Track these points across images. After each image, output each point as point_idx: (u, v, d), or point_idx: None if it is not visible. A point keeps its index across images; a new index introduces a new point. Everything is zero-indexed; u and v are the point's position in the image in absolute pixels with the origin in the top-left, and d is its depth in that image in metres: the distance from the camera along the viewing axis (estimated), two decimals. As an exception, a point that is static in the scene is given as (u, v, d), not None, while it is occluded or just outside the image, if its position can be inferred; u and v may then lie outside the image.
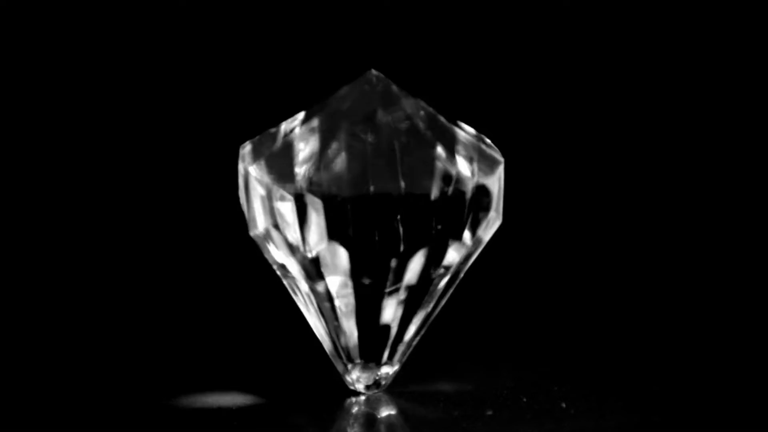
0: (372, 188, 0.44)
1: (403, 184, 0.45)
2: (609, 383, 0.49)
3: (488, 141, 0.47)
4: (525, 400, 0.47)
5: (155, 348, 0.56)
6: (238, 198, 0.48)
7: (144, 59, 0.68)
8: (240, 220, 0.48)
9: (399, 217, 0.45)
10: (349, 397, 0.48)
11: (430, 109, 0.47)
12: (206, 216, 0.65)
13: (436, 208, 0.45)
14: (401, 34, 0.69)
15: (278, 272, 0.48)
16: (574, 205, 0.68)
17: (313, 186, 0.45)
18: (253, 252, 0.49)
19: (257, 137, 0.48)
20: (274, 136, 0.47)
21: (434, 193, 0.45)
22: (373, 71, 0.48)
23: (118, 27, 0.68)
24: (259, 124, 0.49)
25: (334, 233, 0.45)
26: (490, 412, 0.46)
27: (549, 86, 0.69)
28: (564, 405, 0.46)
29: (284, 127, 0.47)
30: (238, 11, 0.68)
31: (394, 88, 0.47)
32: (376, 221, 0.45)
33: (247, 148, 0.47)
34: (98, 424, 0.47)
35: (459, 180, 0.45)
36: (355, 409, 0.47)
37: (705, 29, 0.68)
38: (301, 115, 0.47)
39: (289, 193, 0.45)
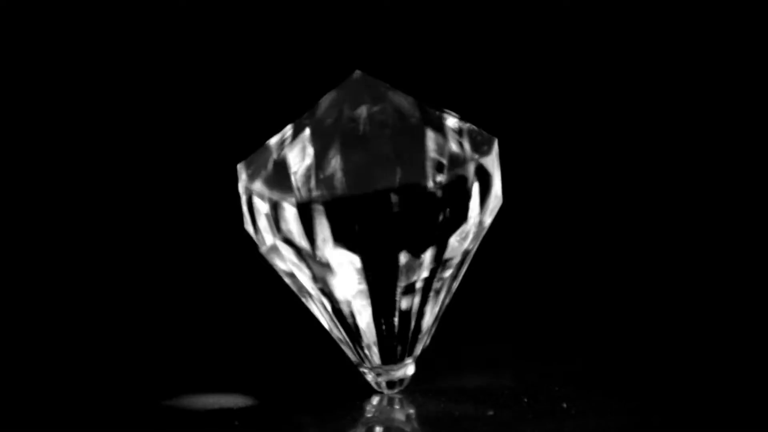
0: (378, 186, 0.45)
1: (399, 176, 0.45)
2: (610, 383, 0.49)
3: (476, 128, 0.47)
4: (526, 400, 0.47)
5: (158, 349, 0.56)
6: (237, 200, 0.48)
7: (129, 70, 0.68)
8: (240, 220, 0.48)
9: (398, 209, 0.45)
10: (369, 397, 0.48)
11: (417, 101, 0.47)
12: (209, 217, 0.65)
13: (437, 195, 0.45)
14: (384, 35, 0.69)
15: (290, 283, 0.48)
16: (574, 205, 0.68)
17: (313, 193, 0.45)
18: (253, 253, 0.49)
19: (250, 156, 0.48)
20: (268, 152, 0.47)
21: (432, 181, 0.45)
22: (358, 72, 0.48)
23: (113, 34, 0.68)
24: (251, 128, 0.49)
25: (340, 236, 0.45)
26: (491, 413, 0.46)
27: (543, 83, 0.69)
28: (565, 405, 0.46)
29: (275, 141, 0.47)
30: (216, 19, 0.68)
31: (381, 85, 0.47)
32: (381, 217, 0.45)
33: (243, 168, 0.47)
34: (99, 425, 0.47)
35: (456, 163, 0.45)
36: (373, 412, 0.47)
37: (705, 29, 0.68)
38: (289, 128, 0.47)
39: (292, 204, 0.45)
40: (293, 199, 0.45)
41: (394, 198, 0.45)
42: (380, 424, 0.46)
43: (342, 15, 0.68)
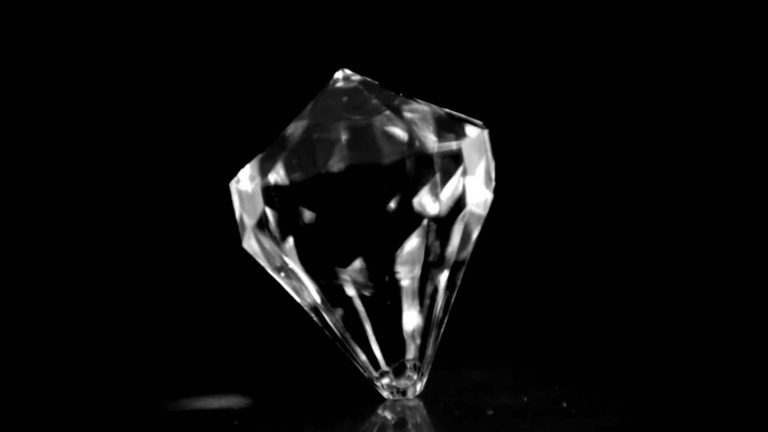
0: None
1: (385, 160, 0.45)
2: (610, 383, 0.49)
3: (462, 116, 0.47)
4: (526, 399, 0.47)
5: (158, 350, 0.56)
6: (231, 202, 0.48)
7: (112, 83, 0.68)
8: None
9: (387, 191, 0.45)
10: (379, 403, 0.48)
11: (399, 94, 0.47)
12: (208, 219, 0.66)
13: (402, 178, 0.45)
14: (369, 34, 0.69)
15: (285, 286, 0.47)
16: (575, 203, 0.68)
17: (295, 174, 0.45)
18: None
19: (244, 169, 0.48)
20: (260, 158, 0.47)
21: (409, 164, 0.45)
22: (345, 70, 0.48)
23: (107, 40, 0.68)
24: (244, 130, 0.49)
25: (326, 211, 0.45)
26: (490, 412, 0.46)
27: (538, 81, 0.69)
28: (565, 404, 0.46)
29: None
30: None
31: (363, 82, 0.47)
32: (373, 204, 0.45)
33: (236, 186, 0.47)
34: (99, 425, 0.47)
35: (424, 151, 0.45)
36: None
37: (704, 28, 0.68)
38: (281, 135, 0.47)
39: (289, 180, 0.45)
40: (287, 180, 0.45)
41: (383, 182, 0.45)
42: (380, 424, 0.46)
43: (327, 11, 0.68)
